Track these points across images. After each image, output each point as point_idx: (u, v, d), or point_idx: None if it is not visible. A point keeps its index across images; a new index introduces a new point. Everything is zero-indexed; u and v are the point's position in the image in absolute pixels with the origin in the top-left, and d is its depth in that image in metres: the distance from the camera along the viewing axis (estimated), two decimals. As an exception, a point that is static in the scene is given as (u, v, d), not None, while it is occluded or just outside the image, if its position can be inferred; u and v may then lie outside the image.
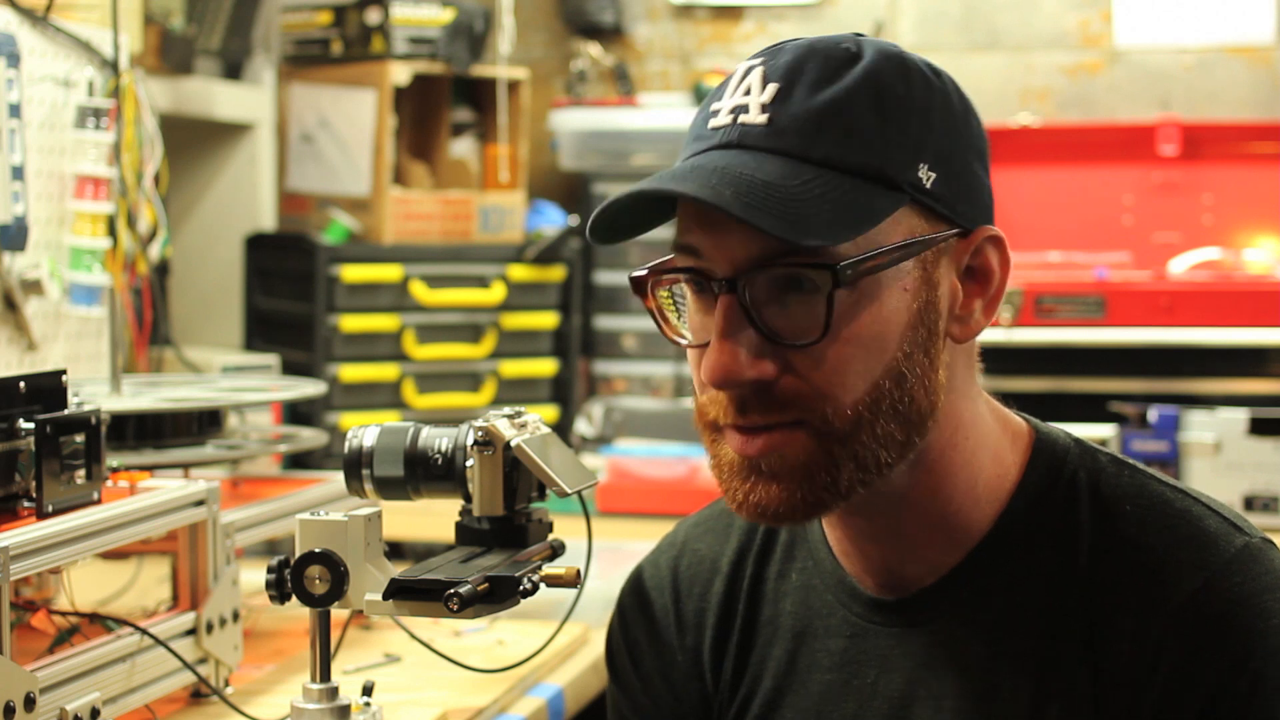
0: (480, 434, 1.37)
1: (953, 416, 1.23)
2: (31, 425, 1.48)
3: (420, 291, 3.50)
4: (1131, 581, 1.21)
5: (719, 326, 1.16)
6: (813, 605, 1.32)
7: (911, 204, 1.17)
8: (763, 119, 1.17)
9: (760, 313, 1.16)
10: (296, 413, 3.26)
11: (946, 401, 1.22)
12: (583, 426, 3.62)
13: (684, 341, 1.23)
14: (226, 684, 1.71)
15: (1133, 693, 1.19)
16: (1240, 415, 3.05)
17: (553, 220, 3.78)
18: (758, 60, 1.20)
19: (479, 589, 1.27)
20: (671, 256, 1.21)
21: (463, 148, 3.74)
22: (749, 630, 1.36)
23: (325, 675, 1.34)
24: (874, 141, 1.16)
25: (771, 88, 1.17)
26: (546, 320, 3.68)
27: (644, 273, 1.23)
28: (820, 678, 1.30)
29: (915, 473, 1.23)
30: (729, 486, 1.20)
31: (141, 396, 2.04)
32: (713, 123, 1.20)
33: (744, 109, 1.18)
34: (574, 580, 1.33)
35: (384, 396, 3.50)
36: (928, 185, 1.17)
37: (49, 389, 1.54)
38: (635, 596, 1.44)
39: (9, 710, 1.33)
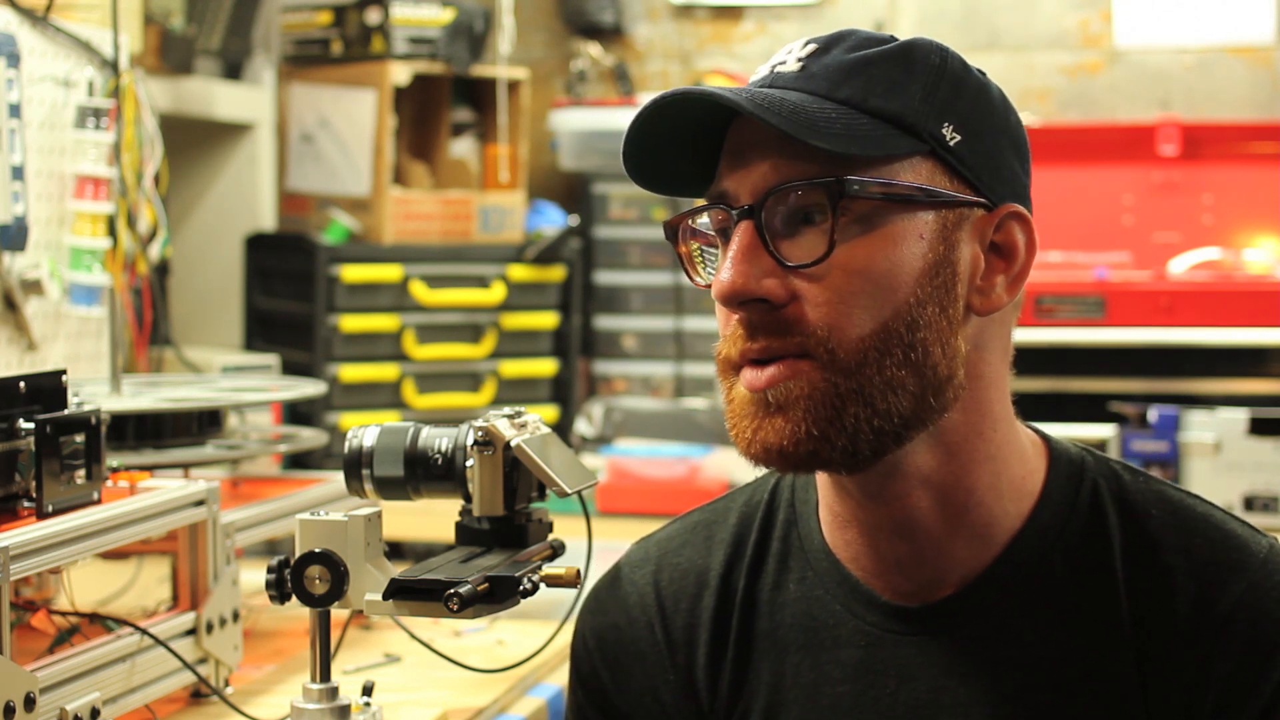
0: (480, 434, 1.37)
1: (982, 404, 1.23)
2: (31, 425, 1.48)
3: (420, 291, 3.50)
4: (1175, 586, 1.21)
5: (735, 251, 1.19)
6: (817, 616, 1.29)
7: (934, 158, 1.19)
8: (796, 67, 1.21)
9: (774, 241, 1.18)
10: (296, 413, 3.26)
11: (977, 389, 1.22)
12: (583, 426, 3.62)
13: (706, 283, 1.25)
14: (226, 684, 1.71)
15: (1187, 697, 1.19)
16: (1240, 415, 3.05)
17: (553, 220, 3.78)
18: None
19: (479, 589, 1.26)
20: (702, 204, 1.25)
21: (463, 148, 3.74)
22: (745, 645, 1.32)
23: (325, 675, 1.34)
24: (898, 92, 1.19)
25: (811, 46, 1.22)
26: (546, 320, 3.68)
27: (676, 217, 1.27)
28: (831, 690, 1.27)
29: (937, 453, 1.22)
30: (739, 427, 1.20)
31: (141, 396, 2.04)
32: (753, 79, 1.25)
33: (782, 63, 1.23)
34: (574, 580, 1.33)
35: (384, 396, 3.50)
36: (951, 144, 1.20)
37: (49, 389, 1.54)
38: (609, 616, 1.38)
39: (9, 710, 1.32)
